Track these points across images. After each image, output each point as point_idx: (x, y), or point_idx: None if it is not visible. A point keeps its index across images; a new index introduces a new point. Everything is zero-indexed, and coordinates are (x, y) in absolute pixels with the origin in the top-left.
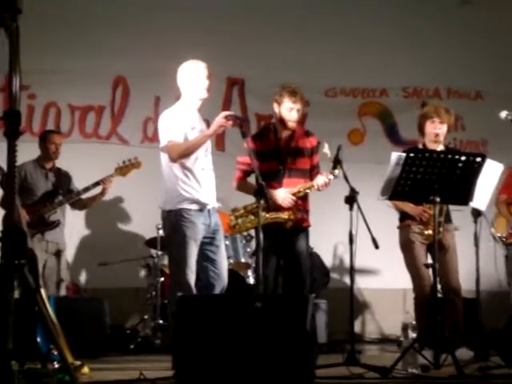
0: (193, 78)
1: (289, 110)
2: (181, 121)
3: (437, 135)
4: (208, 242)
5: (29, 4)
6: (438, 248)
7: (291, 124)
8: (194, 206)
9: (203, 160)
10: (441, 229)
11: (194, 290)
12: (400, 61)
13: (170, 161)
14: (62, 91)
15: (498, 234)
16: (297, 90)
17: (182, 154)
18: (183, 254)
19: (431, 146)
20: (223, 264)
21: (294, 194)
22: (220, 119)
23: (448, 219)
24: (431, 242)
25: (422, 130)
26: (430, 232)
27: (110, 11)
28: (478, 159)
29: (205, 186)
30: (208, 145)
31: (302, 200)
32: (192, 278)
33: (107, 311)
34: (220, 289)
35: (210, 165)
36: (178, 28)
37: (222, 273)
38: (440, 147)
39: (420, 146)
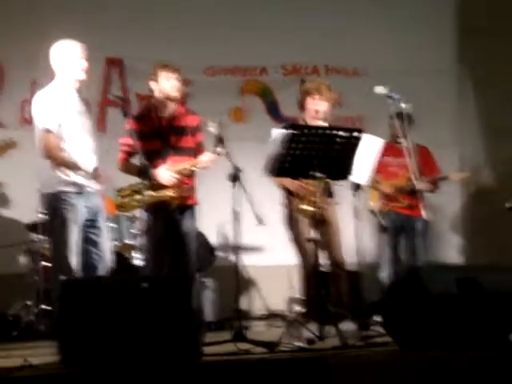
0: (68, 58)
1: (167, 79)
2: (54, 104)
3: (317, 112)
4: (90, 225)
5: None
6: (321, 222)
7: (174, 94)
8: (74, 189)
9: (82, 142)
10: (317, 200)
11: (77, 273)
12: (278, 39)
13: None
14: None
15: (373, 207)
16: (168, 62)
17: (49, 157)
18: (64, 238)
19: (311, 122)
20: (106, 246)
21: (178, 172)
22: None
23: (329, 194)
24: (312, 217)
25: (302, 106)
26: (307, 207)
27: None
28: (356, 134)
29: (84, 167)
30: (88, 126)
31: (187, 177)
32: (74, 260)
33: None
34: (103, 271)
35: (91, 145)
36: (54, 8)
37: (105, 255)
38: (319, 124)
39: (301, 123)
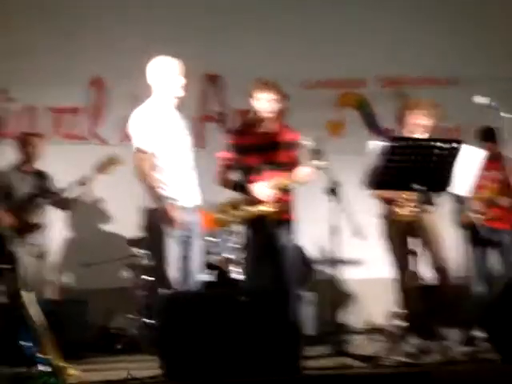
0: (165, 75)
1: (259, 101)
2: (150, 123)
3: (417, 126)
4: (184, 240)
5: (4, 3)
6: (419, 229)
7: (266, 114)
8: (172, 204)
9: (181, 158)
10: (416, 210)
11: (178, 286)
12: (377, 50)
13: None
14: (39, 93)
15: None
16: (267, 81)
17: (140, 178)
18: (163, 252)
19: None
20: (196, 262)
21: (275, 187)
22: None
23: (429, 202)
24: (410, 224)
25: (401, 121)
26: (405, 212)
27: (84, 11)
28: (454, 145)
29: (183, 184)
30: (187, 142)
31: (284, 193)
32: (174, 274)
33: (91, 312)
34: (192, 287)
35: (190, 163)
36: (154, 25)
37: (195, 271)
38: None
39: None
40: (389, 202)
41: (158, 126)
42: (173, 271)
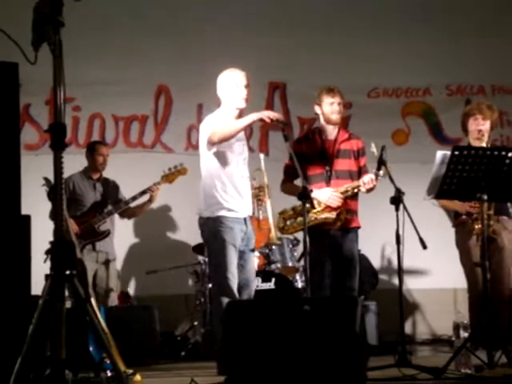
0: (231, 87)
1: (330, 105)
2: (221, 124)
3: (480, 132)
4: (241, 250)
5: (71, 16)
6: (493, 245)
7: (335, 118)
8: (232, 214)
9: (242, 168)
10: (491, 222)
11: (237, 295)
12: (443, 59)
13: (207, 149)
14: (106, 102)
15: None
16: (333, 86)
17: (222, 137)
18: (223, 260)
19: (475, 143)
20: (252, 272)
21: (342, 194)
22: (263, 114)
23: (504, 213)
24: (483, 238)
25: (465, 128)
26: (480, 226)
27: (150, 23)
28: None
29: (243, 193)
30: (246, 153)
31: (350, 200)
32: (234, 282)
33: (157, 319)
34: (247, 296)
35: (248, 173)
36: (218, 35)
37: (251, 280)
38: (484, 144)
39: (464, 145)
40: (459, 212)
41: None
42: (234, 279)
